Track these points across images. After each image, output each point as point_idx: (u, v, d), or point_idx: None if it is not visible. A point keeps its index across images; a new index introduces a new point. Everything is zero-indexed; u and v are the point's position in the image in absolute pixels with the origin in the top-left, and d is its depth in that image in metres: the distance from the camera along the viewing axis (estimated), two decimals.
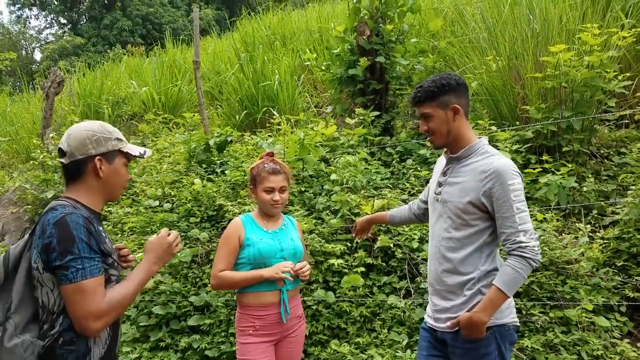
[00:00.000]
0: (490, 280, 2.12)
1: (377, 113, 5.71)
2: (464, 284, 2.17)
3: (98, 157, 1.83)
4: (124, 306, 1.74)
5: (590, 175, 4.48)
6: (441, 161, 2.44)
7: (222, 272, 2.63)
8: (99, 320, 1.65)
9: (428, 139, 2.32)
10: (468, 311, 2.12)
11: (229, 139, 5.80)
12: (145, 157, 1.96)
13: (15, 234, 6.57)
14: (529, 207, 4.17)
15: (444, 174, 2.33)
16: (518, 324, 2.24)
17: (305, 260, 2.91)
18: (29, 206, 6.61)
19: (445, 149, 2.35)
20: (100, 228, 1.83)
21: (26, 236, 1.76)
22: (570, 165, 4.33)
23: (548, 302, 3.64)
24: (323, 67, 6.54)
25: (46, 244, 1.64)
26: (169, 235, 1.91)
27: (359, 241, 4.21)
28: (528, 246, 2.02)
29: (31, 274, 1.70)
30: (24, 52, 34.16)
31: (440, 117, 2.22)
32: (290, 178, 2.87)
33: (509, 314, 2.17)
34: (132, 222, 5.00)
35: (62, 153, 1.83)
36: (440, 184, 2.32)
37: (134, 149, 1.95)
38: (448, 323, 2.17)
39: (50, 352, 1.67)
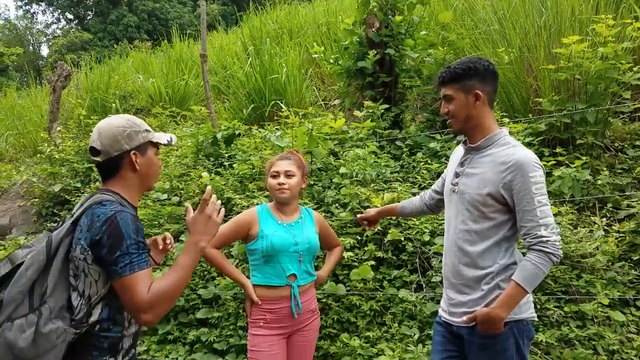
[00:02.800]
0: (509, 274, 2.06)
1: (386, 106, 5.65)
2: (481, 278, 2.11)
3: (133, 152, 1.86)
4: (172, 294, 1.72)
5: (604, 168, 4.40)
6: (458, 151, 2.36)
7: (215, 250, 2.67)
8: (148, 312, 1.66)
9: (447, 122, 2.26)
10: (485, 306, 2.07)
11: (237, 132, 5.76)
12: (172, 144, 2.00)
13: (22, 227, 6.56)
14: None
15: (461, 164, 2.25)
16: (536, 319, 2.18)
17: (337, 244, 2.95)
18: (37, 199, 6.61)
19: (464, 139, 2.28)
20: (139, 224, 1.84)
21: (67, 223, 1.76)
22: (584, 158, 4.25)
23: (563, 297, 3.58)
24: (331, 60, 6.48)
25: (97, 240, 1.67)
26: (207, 205, 1.84)
27: (368, 234, 4.16)
28: (549, 240, 1.95)
29: (68, 261, 1.72)
30: (30, 47, 34.27)
31: (461, 100, 2.15)
32: (305, 170, 2.78)
33: (527, 309, 2.11)
34: (140, 215, 4.97)
35: (95, 152, 1.84)
36: (457, 175, 2.24)
37: (162, 138, 1.97)
38: (464, 317, 2.11)
39: (85, 339, 1.70)
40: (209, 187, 1.87)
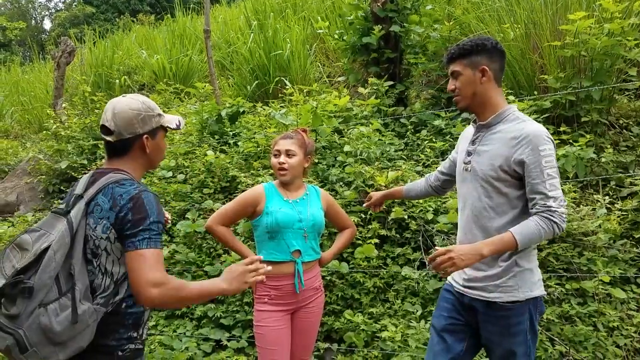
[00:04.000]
0: (526, 251, 2.10)
1: (390, 83, 5.63)
2: (499, 255, 2.12)
3: (145, 136, 1.89)
4: (180, 294, 1.72)
5: (608, 146, 4.41)
6: (468, 131, 2.38)
7: (223, 227, 2.72)
8: (156, 288, 1.66)
9: (454, 99, 2.28)
10: (501, 283, 2.11)
11: (241, 109, 5.76)
12: (181, 128, 2.03)
13: (30, 204, 6.63)
14: None
15: (472, 142, 2.26)
16: (545, 295, 2.25)
17: (347, 226, 2.96)
18: (43, 176, 6.66)
19: (474, 118, 2.30)
20: (160, 205, 1.88)
21: (81, 204, 1.78)
22: (588, 136, 4.25)
23: (564, 274, 3.62)
24: (336, 36, 6.43)
25: (121, 217, 1.72)
26: (252, 263, 1.88)
27: (372, 213, 4.20)
28: (557, 211, 1.99)
29: (87, 242, 1.75)
30: (33, 21, 34.00)
31: (468, 76, 2.17)
32: (308, 149, 2.77)
33: (540, 286, 2.17)
34: None
35: (108, 131, 1.86)
36: (469, 153, 2.26)
37: (172, 122, 2.00)
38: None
39: (112, 317, 1.76)
40: (259, 260, 1.89)
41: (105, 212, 1.74)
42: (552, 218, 1.98)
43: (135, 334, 1.81)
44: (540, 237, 2.00)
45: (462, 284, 2.27)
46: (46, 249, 1.69)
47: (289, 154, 2.68)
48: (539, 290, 2.16)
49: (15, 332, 1.63)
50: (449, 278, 2.39)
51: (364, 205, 2.98)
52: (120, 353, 1.78)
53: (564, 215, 2.00)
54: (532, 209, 2.05)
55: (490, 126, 2.20)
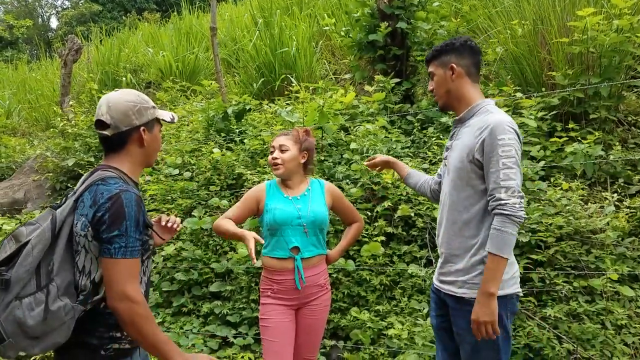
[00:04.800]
0: None
1: (397, 80, 5.61)
2: (468, 249, 2.15)
3: (142, 128, 1.87)
4: (145, 326, 1.68)
5: (617, 143, 4.37)
6: None
7: (225, 219, 2.67)
8: (124, 303, 1.66)
9: (434, 99, 2.37)
10: (469, 279, 2.13)
11: (247, 107, 5.76)
12: (174, 121, 2.01)
13: (37, 201, 6.66)
14: (554, 176, 4.11)
15: (450, 138, 2.34)
16: (520, 293, 2.22)
17: (355, 220, 2.93)
18: (50, 174, 6.69)
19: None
20: (142, 205, 1.85)
21: (70, 201, 1.78)
22: (597, 133, 4.22)
23: (572, 272, 3.60)
24: (342, 33, 6.41)
25: (98, 216, 1.69)
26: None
27: (379, 210, 4.19)
28: (508, 203, 1.97)
29: (72, 239, 1.74)
30: (40, 19, 34.12)
31: (440, 76, 2.28)
32: (304, 145, 2.75)
33: (511, 285, 2.14)
34: (153, 190, 5.03)
35: (104, 125, 1.83)
36: (447, 149, 2.34)
37: (165, 115, 1.99)
38: (456, 289, 2.18)
39: (92, 316, 1.74)
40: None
41: (86, 209, 1.72)
42: (503, 211, 1.98)
43: (118, 334, 1.78)
44: (509, 233, 1.98)
45: (438, 279, 2.31)
46: (26, 243, 1.68)
47: (282, 149, 2.71)
48: (510, 289, 2.13)
49: None
50: (433, 277, 2.42)
51: (365, 162, 2.89)
52: (103, 352, 1.76)
53: (517, 205, 1.97)
54: (488, 200, 2.07)
55: (464, 121, 2.26)
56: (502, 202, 1.98)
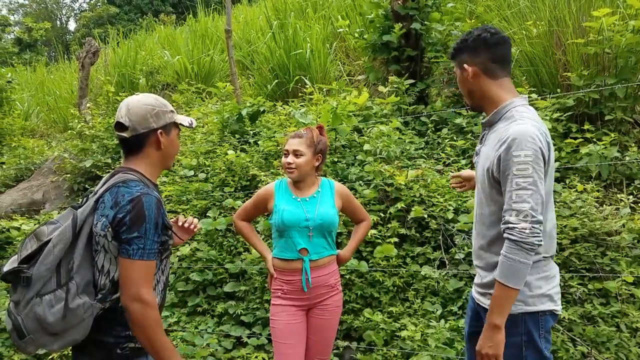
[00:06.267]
0: None
1: (411, 81, 5.61)
2: (493, 266, 1.99)
3: (159, 131, 1.92)
4: (155, 330, 1.73)
5: (633, 145, 4.34)
6: None
7: (244, 222, 2.91)
8: (138, 304, 1.71)
9: None
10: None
11: (262, 109, 5.79)
12: (193, 127, 2.05)
13: (55, 202, 6.77)
14: (569, 177, 4.08)
15: (480, 141, 2.16)
16: (558, 310, 2.01)
17: (363, 219, 2.96)
18: (68, 175, 6.78)
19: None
20: (162, 208, 1.89)
21: (91, 201, 1.82)
22: (612, 135, 4.19)
23: (587, 274, 3.58)
24: (356, 34, 6.42)
25: (119, 218, 1.73)
26: None
27: (392, 211, 4.19)
28: (516, 228, 1.79)
29: (92, 238, 1.79)
30: (58, 22, 34.58)
31: (459, 77, 2.12)
32: (319, 148, 2.75)
33: (542, 302, 1.96)
34: (168, 192, 5.08)
35: (122, 127, 1.88)
36: (476, 154, 2.18)
37: (184, 120, 2.02)
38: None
39: (110, 314, 1.78)
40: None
41: (107, 210, 1.76)
42: (511, 237, 1.81)
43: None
44: (519, 262, 1.81)
45: (475, 288, 2.20)
46: (47, 242, 1.74)
47: (296, 154, 2.70)
48: (539, 306, 1.96)
49: (15, 318, 1.70)
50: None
51: (451, 184, 2.70)
52: (119, 351, 1.79)
53: (527, 231, 1.78)
54: (501, 226, 1.90)
55: (491, 124, 2.07)
56: (511, 225, 1.81)
